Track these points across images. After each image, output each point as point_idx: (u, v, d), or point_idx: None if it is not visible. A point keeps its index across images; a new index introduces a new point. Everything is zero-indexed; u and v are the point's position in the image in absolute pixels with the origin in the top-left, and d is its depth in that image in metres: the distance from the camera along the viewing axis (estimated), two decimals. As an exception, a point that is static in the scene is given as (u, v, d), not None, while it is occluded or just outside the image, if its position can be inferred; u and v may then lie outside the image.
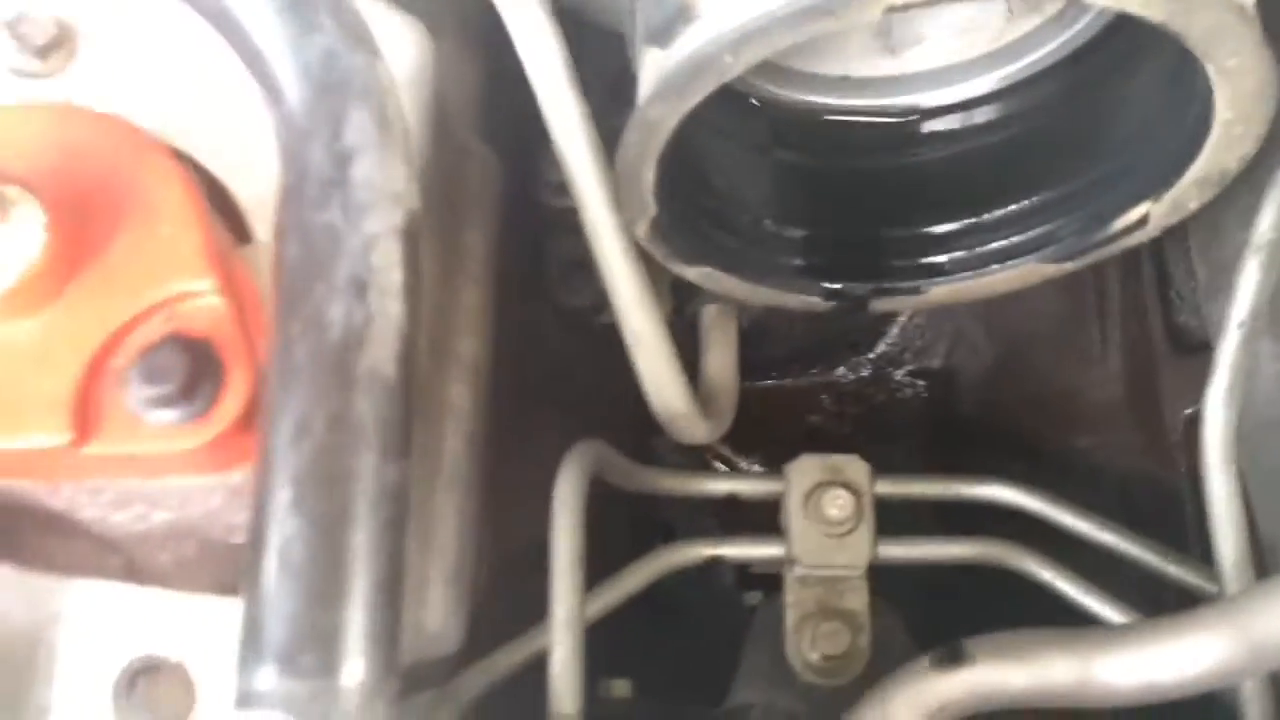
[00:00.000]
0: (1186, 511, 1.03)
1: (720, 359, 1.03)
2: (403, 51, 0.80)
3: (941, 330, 1.24)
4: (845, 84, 0.86)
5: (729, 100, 0.64)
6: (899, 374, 1.26)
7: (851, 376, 1.27)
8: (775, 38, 0.58)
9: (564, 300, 1.09)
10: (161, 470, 0.61)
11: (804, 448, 1.21)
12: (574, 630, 0.76)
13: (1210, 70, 0.60)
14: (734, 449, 1.25)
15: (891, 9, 0.56)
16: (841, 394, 1.27)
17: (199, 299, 0.60)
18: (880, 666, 0.97)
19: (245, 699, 0.48)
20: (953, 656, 0.71)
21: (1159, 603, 0.99)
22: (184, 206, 0.60)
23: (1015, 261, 0.82)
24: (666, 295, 0.99)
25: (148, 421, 0.57)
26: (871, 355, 1.27)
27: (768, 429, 1.26)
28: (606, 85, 0.88)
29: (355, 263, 0.52)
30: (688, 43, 0.61)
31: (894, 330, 1.22)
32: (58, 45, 0.71)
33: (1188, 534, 1.02)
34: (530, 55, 0.83)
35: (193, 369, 0.57)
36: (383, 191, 0.54)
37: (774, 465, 1.25)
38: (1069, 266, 0.80)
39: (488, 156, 0.98)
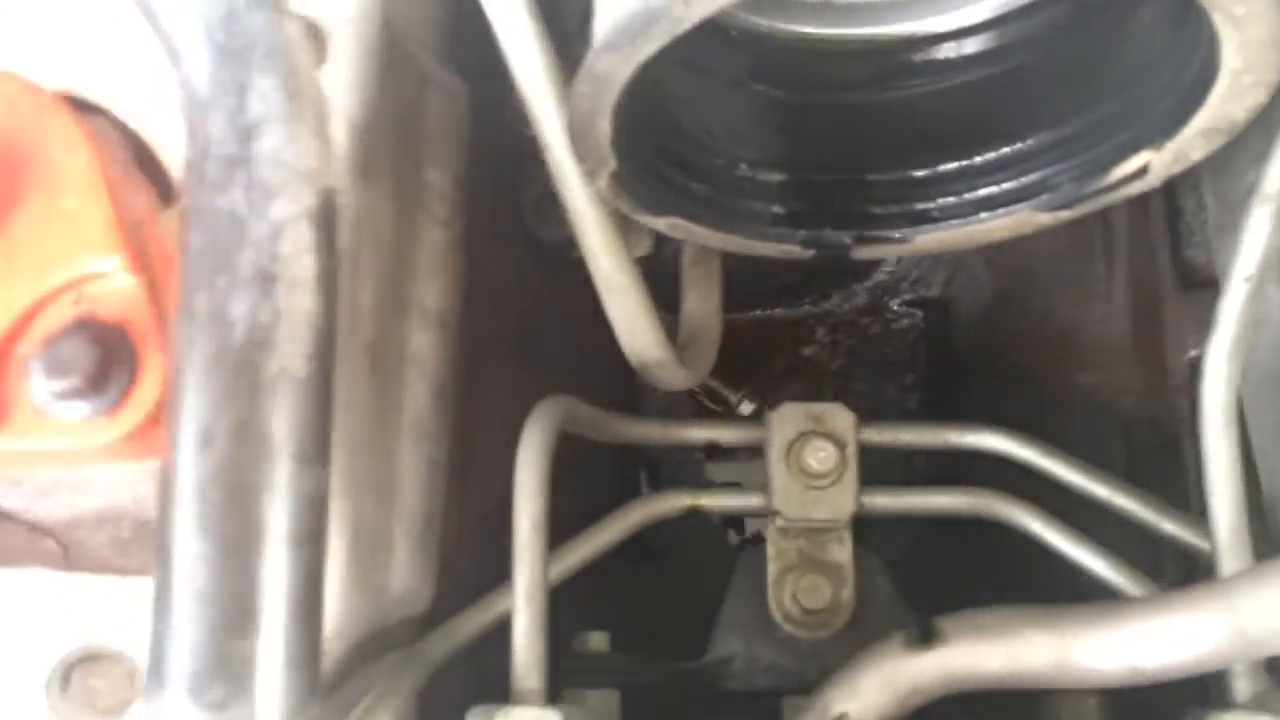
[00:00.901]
0: (1187, 457, 0.99)
1: (701, 299, 0.98)
2: (346, -17, 0.74)
3: (940, 259, 1.18)
4: (829, 10, 0.79)
5: (701, 31, 0.58)
6: (895, 303, 1.22)
7: (846, 306, 1.23)
8: (729, -14, 0.52)
9: (538, 234, 1.04)
10: (79, 461, 0.57)
11: (796, 380, 1.18)
12: (536, 599, 0.73)
13: (1216, 17, 0.54)
14: (724, 381, 1.21)
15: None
16: (835, 324, 1.23)
17: (109, 279, 0.55)
18: (865, 619, 0.95)
19: (154, 725, 0.46)
20: (925, 636, 0.68)
21: (1155, 555, 0.96)
22: (90, 173, 0.56)
23: (1008, 209, 0.76)
24: (644, 233, 0.94)
25: (55, 415, 0.53)
26: (867, 283, 1.22)
27: (759, 361, 1.23)
28: (580, 10, 0.82)
29: (261, 253, 0.48)
30: (639, -14, 0.55)
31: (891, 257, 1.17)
32: (-37, -11, 0.66)
33: (1189, 479, 0.98)
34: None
35: (101, 359, 0.53)
36: (293, 170, 0.49)
37: (764, 398, 1.23)
38: (1065, 215, 0.75)
39: (453, 85, 0.92)
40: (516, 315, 1.06)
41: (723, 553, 1.21)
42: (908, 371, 1.22)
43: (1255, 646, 0.62)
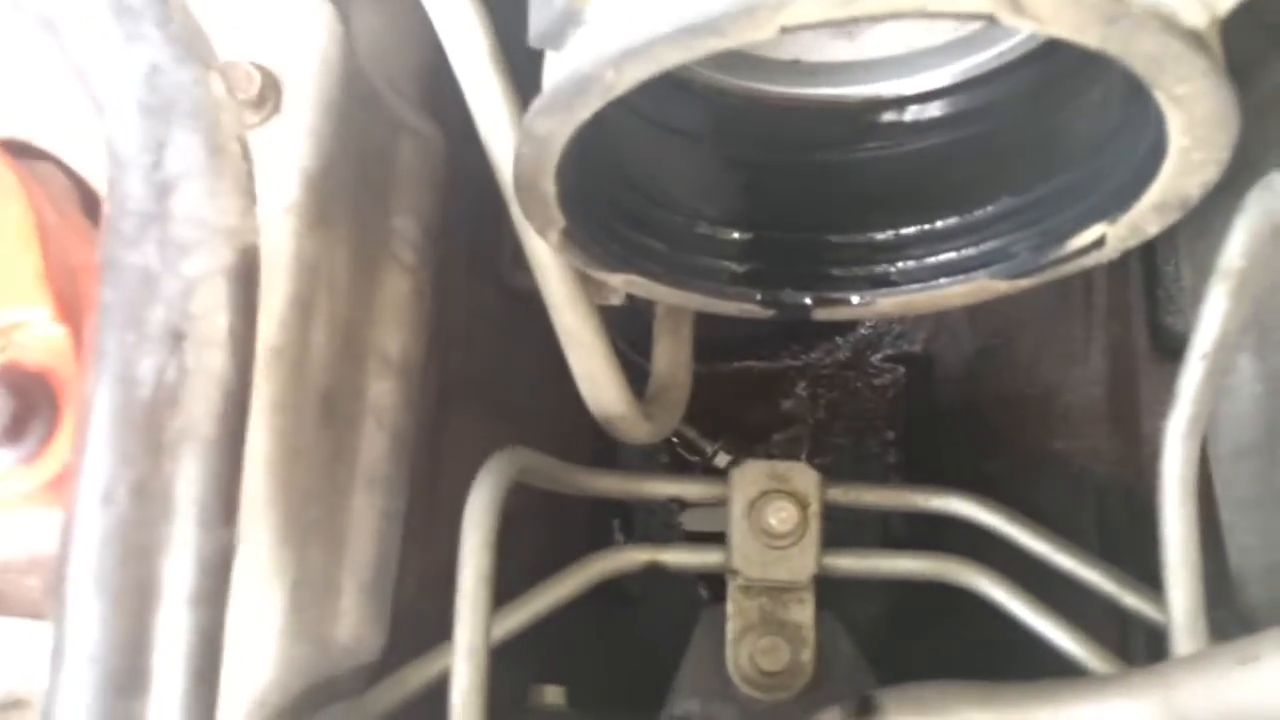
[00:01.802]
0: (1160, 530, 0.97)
1: (670, 352, 0.97)
2: (308, 33, 0.74)
3: (923, 315, 1.17)
4: (795, 69, 0.79)
5: (662, 85, 0.57)
6: (877, 358, 1.21)
7: (827, 360, 1.22)
8: (660, 56, 0.51)
9: (513, 282, 1.04)
10: (1, 508, 0.57)
11: (776, 432, 1.17)
12: (476, 657, 0.72)
13: (1160, 96, 0.53)
14: (701, 431, 1.21)
15: (786, 30, 0.49)
16: (816, 377, 1.22)
17: (36, 327, 0.55)
18: (826, 682, 0.93)
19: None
20: (863, 709, 0.66)
21: (1120, 623, 0.94)
22: (20, 223, 0.56)
23: (966, 275, 0.75)
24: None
25: (-27, 462, 0.53)
26: (850, 337, 1.21)
27: (737, 412, 1.22)
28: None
29: (172, 310, 0.48)
30: (575, 51, 0.55)
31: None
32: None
33: (1162, 554, 0.97)
34: (451, 39, 0.78)
35: (20, 408, 0.53)
36: (210, 227, 0.49)
37: (741, 449, 1.22)
38: (1022, 284, 0.74)
39: (428, 132, 0.92)
40: (490, 362, 1.06)
41: (695, 603, 1.20)
42: (888, 427, 1.21)
43: (1192, 735, 0.60)
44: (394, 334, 0.87)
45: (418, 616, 0.90)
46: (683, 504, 1.13)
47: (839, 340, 1.21)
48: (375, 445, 0.84)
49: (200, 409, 0.48)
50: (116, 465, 0.46)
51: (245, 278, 0.50)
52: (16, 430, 0.53)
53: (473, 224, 1.06)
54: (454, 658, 0.73)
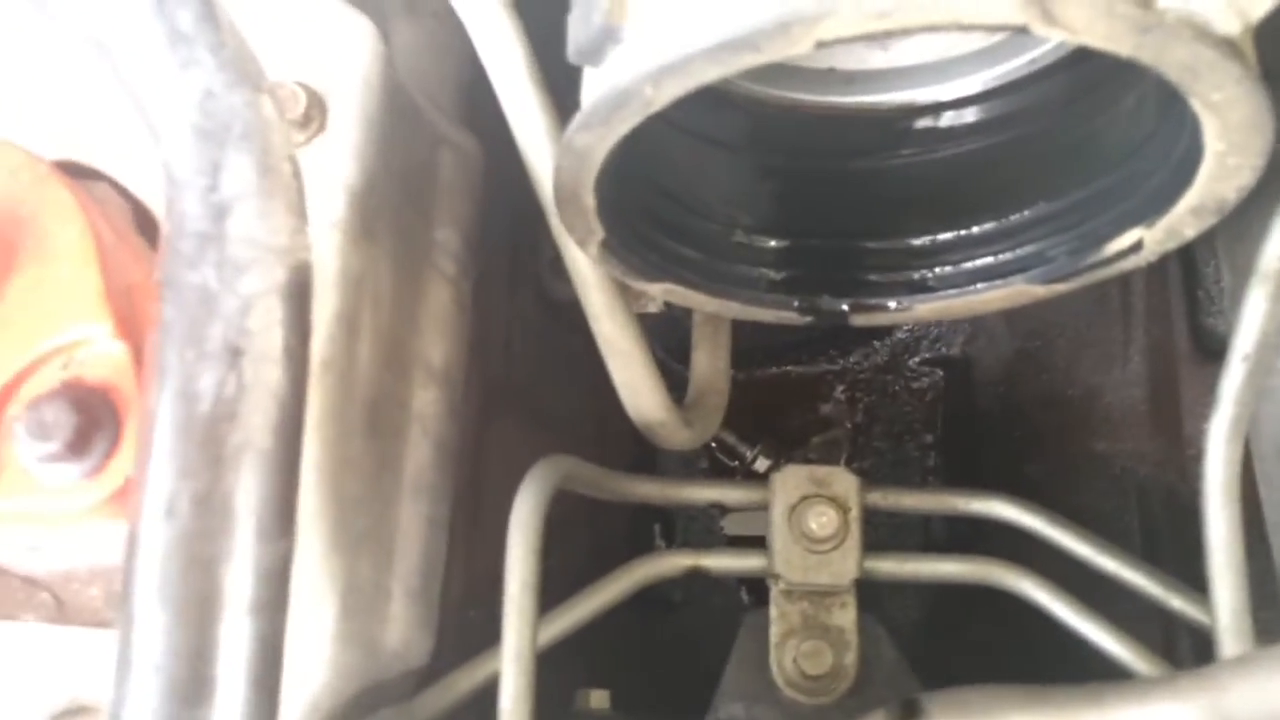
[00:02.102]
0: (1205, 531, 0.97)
1: (709, 358, 0.98)
2: (351, 52, 0.76)
3: (961, 319, 1.17)
4: (830, 78, 0.80)
5: (697, 96, 0.58)
6: (915, 361, 1.21)
7: (865, 364, 1.22)
8: (698, 73, 0.53)
9: (553, 292, 1.05)
10: (65, 521, 0.59)
11: (814, 437, 1.17)
12: (523, 662, 0.73)
13: (1195, 103, 0.54)
14: (740, 436, 1.21)
15: (822, 44, 0.50)
16: (854, 382, 1.22)
17: (97, 344, 0.57)
18: (869, 685, 0.94)
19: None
20: (909, 712, 0.67)
21: (1167, 627, 0.94)
22: (82, 243, 0.58)
23: (1003, 280, 0.75)
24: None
25: (39, 477, 0.55)
26: (887, 341, 1.22)
27: (776, 417, 1.23)
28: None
29: (230, 327, 0.49)
30: (614, 67, 0.56)
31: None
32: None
33: (1207, 555, 0.96)
34: (489, 54, 0.79)
35: (83, 424, 0.55)
36: (264, 246, 0.51)
37: (780, 454, 1.22)
38: (1060, 288, 0.74)
39: (468, 145, 0.94)
40: (530, 371, 1.07)
41: (736, 611, 1.21)
42: (926, 430, 1.21)
43: (1240, 737, 0.60)
44: (437, 344, 0.88)
45: (463, 622, 0.92)
46: (723, 509, 1.14)
47: (876, 344, 1.21)
48: (420, 454, 0.86)
49: (258, 422, 0.49)
50: (178, 478, 0.48)
51: (298, 294, 0.51)
52: (80, 445, 0.54)
53: (511, 235, 1.08)
54: (502, 663, 0.74)
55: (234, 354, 0.49)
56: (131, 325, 0.58)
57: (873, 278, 0.79)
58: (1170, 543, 0.99)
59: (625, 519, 1.23)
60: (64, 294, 0.57)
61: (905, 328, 1.21)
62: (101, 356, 0.57)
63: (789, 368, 1.22)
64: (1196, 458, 0.98)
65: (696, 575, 0.94)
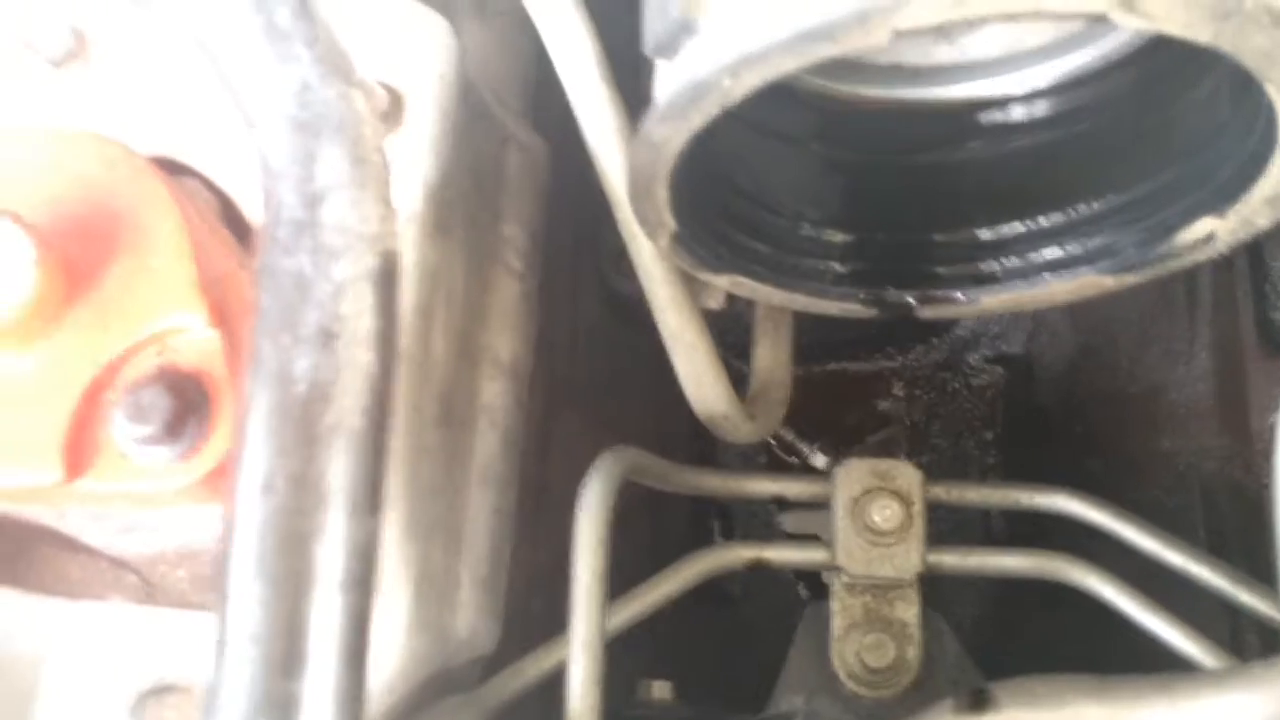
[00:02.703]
0: (1272, 526, 0.97)
1: (771, 352, 0.99)
2: (427, 50, 0.78)
3: (1022, 314, 1.17)
4: (897, 73, 0.80)
5: (767, 93, 0.59)
6: (975, 359, 1.21)
7: (924, 361, 1.22)
8: (776, 64, 0.53)
9: (616, 286, 1.06)
10: (158, 503, 0.60)
11: (873, 434, 1.17)
12: (592, 650, 0.75)
13: (1270, 90, 0.54)
14: (798, 433, 1.22)
15: (900, 34, 0.51)
16: (913, 379, 1.23)
17: (191, 332, 0.59)
18: (931, 680, 0.94)
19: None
20: (978, 702, 0.67)
21: (1234, 624, 0.93)
22: (177, 235, 0.59)
23: (1072, 271, 0.76)
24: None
25: (136, 459, 0.57)
26: (947, 338, 1.22)
27: (834, 414, 1.23)
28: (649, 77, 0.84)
29: (323, 312, 0.51)
30: (689, 59, 0.57)
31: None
32: (73, 56, 0.71)
33: (1274, 550, 0.96)
34: (559, 51, 0.80)
35: (178, 407, 0.56)
36: (355, 234, 0.52)
37: (839, 451, 1.23)
38: (1129, 280, 0.74)
39: (533, 143, 0.95)
40: (593, 365, 1.09)
41: (795, 602, 1.21)
42: (986, 428, 1.21)
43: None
44: (505, 338, 0.90)
45: (528, 612, 0.93)
46: (783, 504, 1.14)
47: (935, 341, 1.21)
48: (488, 444, 0.87)
49: (350, 403, 0.51)
50: (275, 457, 0.49)
51: (387, 280, 0.53)
52: (175, 429, 0.56)
53: (574, 233, 1.09)
54: (571, 649, 0.75)
55: (328, 337, 0.50)
56: (223, 313, 0.60)
57: (939, 270, 0.79)
58: (1236, 539, 0.99)
59: (684, 516, 1.24)
60: (159, 283, 0.58)
61: (965, 325, 1.21)
62: (195, 343, 0.58)
63: (847, 364, 1.23)
64: (1264, 453, 0.98)
65: (755, 571, 0.94)
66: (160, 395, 0.56)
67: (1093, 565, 0.89)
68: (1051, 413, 1.15)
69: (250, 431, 0.50)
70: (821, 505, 0.95)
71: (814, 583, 1.25)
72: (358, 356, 0.51)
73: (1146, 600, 0.87)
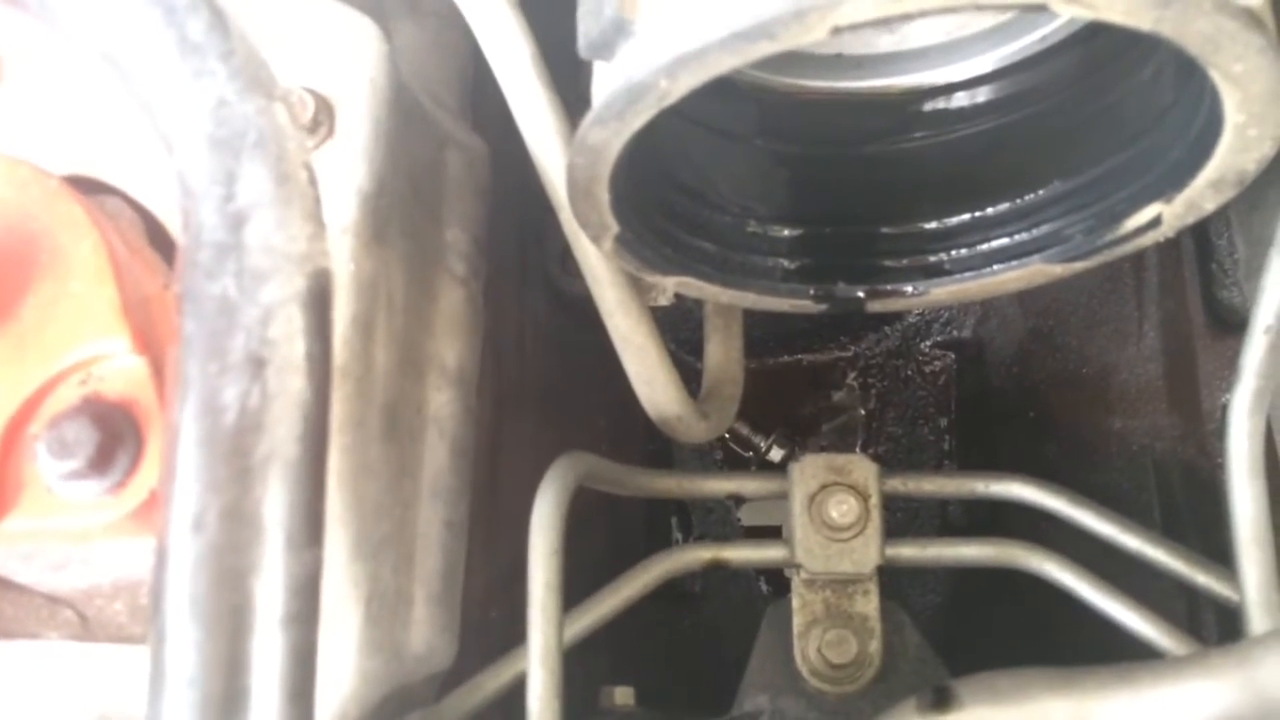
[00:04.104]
0: (1223, 505, 0.97)
1: (722, 349, 0.97)
2: (356, 55, 0.75)
3: (977, 300, 1.17)
4: (839, 63, 0.79)
5: (708, 87, 0.58)
6: (926, 345, 1.20)
7: (877, 349, 1.21)
8: (712, 63, 0.52)
9: (562, 287, 1.05)
10: (88, 537, 0.58)
11: (828, 424, 1.16)
12: (550, 662, 0.73)
13: (1215, 75, 0.53)
14: (753, 427, 1.21)
15: (838, 30, 0.50)
16: (866, 368, 1.22)
17: (115, 359, 0.57)
18: (894, 673, 0.93)
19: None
20: (941, 700, 0.66)
21: (1191, 603, 0.94)
22: (96, 257, 0.57)
23: (1020, 261, 0.75)
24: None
25: (63, 494, 0.55)
26: (898, 326, 1.21)
27: (789, 406, 1.22)
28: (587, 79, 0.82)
29: (251, 337, 0.49)
30: (625, 61, 0.55)
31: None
32: (-16, 74, 0.68)
33: (1225, 527, 0.96)
34: (494, 52, 0.78)
35: (103, 440, 0.54)
36: (282, 254, 0.50)
37: (795, 443, 1.22)
38: (1077, 267, 0.74)
39: (473, 144, 0.93)
40: (543, 367, 1.07)
41: (756, 598, 1.21)
42: (940, 414, 1.21)
43: (1276, 714, 0.60)
44: (450, 345, 0.88)
45: (484, 623, 0.92)
46: (741, 500, 1.13)
47: (887, 329, 1.21)
48: (437, 456, 0.85)
49: (283, 432, 0.49)
50: (205, 492, 0.47)
51: (319, 301, 0.51)
52: (103, 461, 0.54)
53: (519, 234, 1.07)
54: (529, 662, 0.73)
55: (257, 364, 0.48)
56: (149, 338, 0.57)
57: (888, 263, 0.78)
58: (1190, 518, 0.99)
59: (641, 515, 1.23)
60: (80, 309, 0.56)
61: (916, 312, 1.20)
62: (120, 371, 0.56)
63: (800, 356, 1.22)
64: (1215, 432, 0.98)
65: (717, 567, 0.93)
66: (85, 428, 0.53)
67: (1050, 552, 0.89)
68: (1005, 396, 1.15)
69: (179, 466, 0.48)
70: (779, 498, 0.94)
71: (775, 578, 1.25)
72: (290, 383, 0.49)
73: (1104, 584, 0.87)
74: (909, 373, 1.20)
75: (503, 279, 0.99)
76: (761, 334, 1.05)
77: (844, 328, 1.21)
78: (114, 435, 0.54)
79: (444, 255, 0.89)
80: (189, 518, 0.47)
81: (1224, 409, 0.97)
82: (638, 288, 0.84)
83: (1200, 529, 0.97)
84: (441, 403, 0.86)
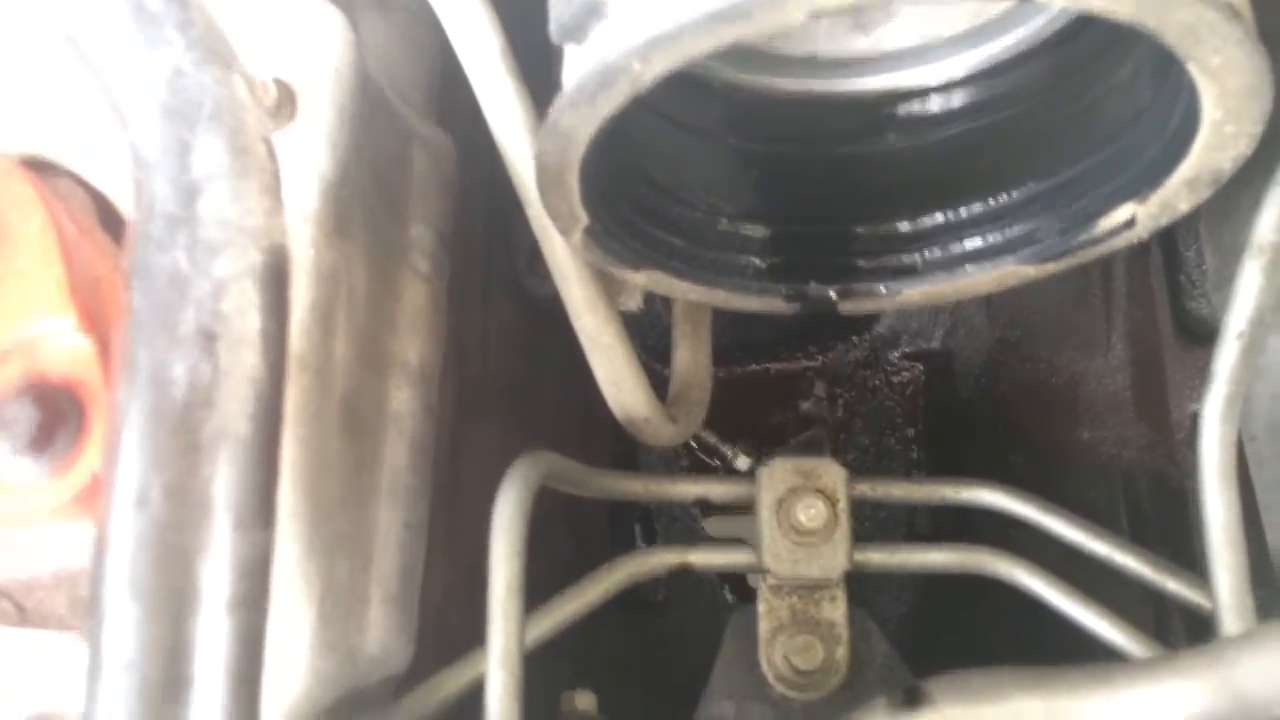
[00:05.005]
0: (1191, 513, 0.97)
1: (691, 353, 0.96)
2: (321, 42, 0.74)
3: (940, 310, 1.16)
4: (812, 64, 0.79)
5: (678, 84, 0.57)
6: (895, 355, 1.20)
7: (845, 359, 1.21)
8: (687, 45, 0.51)
9: (530, 289, 1.03)
10: (27, 521, 0.56)
11: (795, 434, 1.15)
12: (510, 665, 0.71)
13: (1193, 69, 0.53)
14: (719, 435, 1.20)
15: (817, 13, 0.49)
16: (834, 378, 1.21)
17: (60, 339, 0.54)
18: (860, 679, 0.92)
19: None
20: (911, 699, 0.65)
21: (1163, 612, 0.93)
22: (43, 236, 0.55)
23: (993, 262, 0.74)
24: (634, 287, 0.93)
25: (1, 476, 0.52)
26: (866, 336, 1.20)
27: (755, 415, 1.21)
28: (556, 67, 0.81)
29: (202, 311, 0.47)
30: (598, 43, 0.54)
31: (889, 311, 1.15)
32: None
33: (1193, 536, 0.96)
34: (463, 42, 0.77)
35: (45, 419, 0.52)
36: (237, 227, 0.48)
37: (761, 452, 1.21)
38: (1051, 268, 0.73)
39: (439, 141, 0.92)
40: (508, 368, 1.05)
41: (720, 610, 1.19)
42: (909, 424, 1.20)
43: (1251, 713, 0.59)
44: (413, 343, 0.86)
45: (444, 625, 0.89)
46: (707, 507, 1.12)
47: (855, 339, 1.20)
48: (397, 455, 0.83)
49: (234, 409, 0.47)
50: (150, 468, 0.45)
51: (274, 277, 0.49)
52: (43, 442, 0.52)
53: (485, 233, 1.06)
54: (489, 665, 0.72)
55: (208, 338, 0.47)
56: (97, 319, 0.55)
57: (860, 263, 0.78)
58: (1157, 528, 0.99)
59: (605, 521, 1.21)
60: (25, 288, 0.54)
61: (885, 322, 1.20)
62: (65, 352, 0.54)
63: (768, 365, 1.21)
64: (1184, 442, 0.98)
65: (678, 575, 0.92)
66: (25, 406, 0.51)
67: (1018, 558, 0.88)
68: (973, 407, 1.15)
69: (123, 441, 0.46)
70: (745, 509, 0.93)
71: (740, 587, 1.23)
72: (242, 358, 0.48)
73: (1072, 591, 0.87)
74: (877, 383, 1.20)
75: (468, 278, 0.98)
76: (729, 341, 1.04)
77: (813, 337, 1.20)
78: (56, 415, 0.52)
79: (408, 252, 0.87)
80: (132, 494, 0.45)
81: (1193, 418, 0.97)
82: (607, 288, 0.82)
83: (1167, 538, 0.96)
84: (402, 400, 0.84)
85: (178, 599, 0.45)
